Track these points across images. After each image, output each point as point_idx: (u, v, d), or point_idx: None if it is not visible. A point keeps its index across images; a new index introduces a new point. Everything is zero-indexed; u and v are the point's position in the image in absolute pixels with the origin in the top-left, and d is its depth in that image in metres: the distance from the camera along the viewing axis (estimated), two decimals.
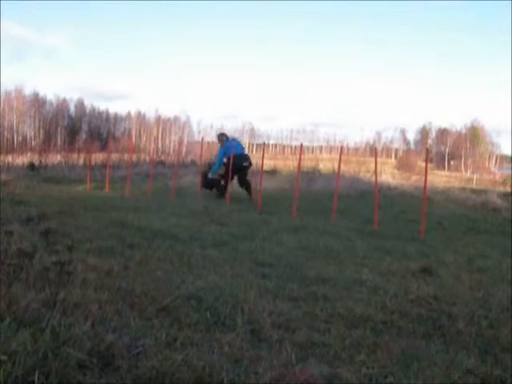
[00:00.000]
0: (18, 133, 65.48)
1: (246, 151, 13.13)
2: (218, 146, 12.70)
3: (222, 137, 12.63)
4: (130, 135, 68.31)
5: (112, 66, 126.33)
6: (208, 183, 12.66)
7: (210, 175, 12.55)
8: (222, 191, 12.14)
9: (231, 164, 11.66)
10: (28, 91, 71.99)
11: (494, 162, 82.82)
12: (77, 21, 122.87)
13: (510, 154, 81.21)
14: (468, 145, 77.62)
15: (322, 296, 4.09)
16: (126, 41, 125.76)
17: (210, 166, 12.96)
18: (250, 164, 12.40)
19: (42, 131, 67.83)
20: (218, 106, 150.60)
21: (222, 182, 12.24)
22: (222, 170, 12.21)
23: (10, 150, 31.74)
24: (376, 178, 10.69)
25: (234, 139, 12.85)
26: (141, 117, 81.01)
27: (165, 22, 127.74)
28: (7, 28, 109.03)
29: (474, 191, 19.97)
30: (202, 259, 5.18)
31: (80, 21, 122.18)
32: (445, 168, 75.85)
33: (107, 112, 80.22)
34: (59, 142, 59.77)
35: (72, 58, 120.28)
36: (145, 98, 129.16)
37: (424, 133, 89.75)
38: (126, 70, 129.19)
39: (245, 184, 12.24)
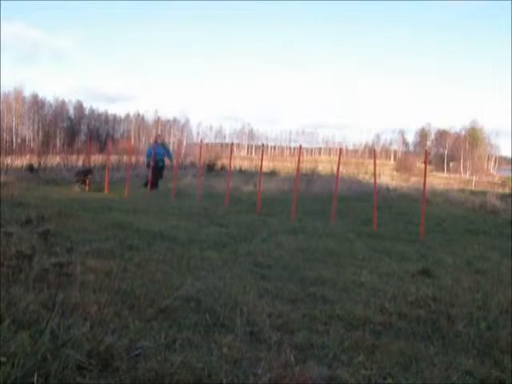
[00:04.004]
0: (17, 134, 65.40)
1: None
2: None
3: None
4: (129, 137, 68.25)
5: (112, 68, 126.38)
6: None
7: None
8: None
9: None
10: (27, 93, 72.09)
11: (493, 164, 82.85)
12: (79, 23, 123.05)
13: (509, 155, 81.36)
14: (467, 146, 77.56)
15: (321, 297, 4.09)
16: (126, 42, 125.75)
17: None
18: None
19: (41, 133, 67.74)
20: (218, 108, 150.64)
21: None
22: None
23: (9, 151, 31.66)
24: (375, 179, 10.71)
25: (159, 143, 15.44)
26: (140, 118, 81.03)
27: (164, 24, 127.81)
28: (18, 29, 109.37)
29: (472, 193, 19.99)
30: (201, 261, 5.18)
31: (82, 23, 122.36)
32: (444, 170, 75.87)
33: (106, 114, 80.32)
34: (58, 144, 59.69)
35: (74, 60, 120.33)
36: (144, 99, 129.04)
37: (423, 134, 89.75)
38: (126, 71, 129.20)
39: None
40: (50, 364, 2.35)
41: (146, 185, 14.38)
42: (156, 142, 15.37)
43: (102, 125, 79.77)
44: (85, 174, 14.73)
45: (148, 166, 14.61)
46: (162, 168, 14.98)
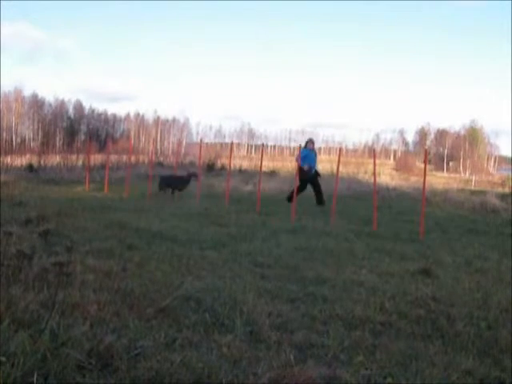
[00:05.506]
0: (16, 134, 65.37)
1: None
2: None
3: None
4: (128, 136, 68.24)
5: (112, 68, 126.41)
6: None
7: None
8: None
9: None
10: (27, 93, 72.13)
11: (492, 163, 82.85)
12: (79, 23, 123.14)
13: (508, 154, 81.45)
14: (467, 146, 77.51)
15: (321, 297, 4.09)
16: (126, 42, 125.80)
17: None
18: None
19: (40, 132, 67.76)
20: (218, 107, 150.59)
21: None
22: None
23: (9, 151, 31.73)
24: (375, 179, 10.71)
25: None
26: (139, 118, 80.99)
27: (164, 23, 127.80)
28: (18, 29, 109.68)
29: (472, 192, 19.97)
30: (200, 260, 5.18)
31: (82, 23, 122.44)
32: (443, 169, 75.82)
33: (106, 113, 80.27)
34: (58, 144, 59.82)
35: (74, 60, 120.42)
36: (144, 99, 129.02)
37: (423, 134, 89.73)
38: (126, 71, 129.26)
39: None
40: (49, 363, 2.35)
41: (289, 199, 11.49)
42: (306, 146, 12.55)
43: (101, 124, 79.68)
44: (187, 178, 13.02)
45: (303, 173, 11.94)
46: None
